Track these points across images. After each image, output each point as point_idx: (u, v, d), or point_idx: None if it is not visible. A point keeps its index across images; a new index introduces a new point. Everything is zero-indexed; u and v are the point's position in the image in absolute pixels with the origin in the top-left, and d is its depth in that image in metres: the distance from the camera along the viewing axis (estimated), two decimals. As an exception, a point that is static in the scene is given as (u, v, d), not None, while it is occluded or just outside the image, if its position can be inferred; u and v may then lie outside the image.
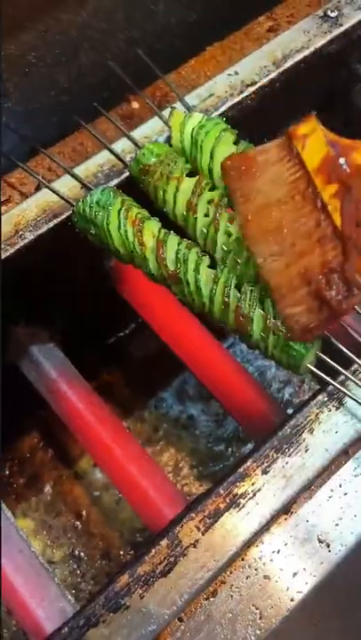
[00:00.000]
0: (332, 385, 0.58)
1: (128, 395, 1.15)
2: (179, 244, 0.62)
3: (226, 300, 0.60)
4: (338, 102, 0.90)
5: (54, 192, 0.68)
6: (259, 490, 0.56)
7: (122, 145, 0.73)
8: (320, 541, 0.58)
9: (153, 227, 0.63)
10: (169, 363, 0.84)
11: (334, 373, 0.59)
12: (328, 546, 0.58)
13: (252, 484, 0.56)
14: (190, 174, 0.66)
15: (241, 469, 0.56)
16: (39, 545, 1.00)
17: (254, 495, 0.56)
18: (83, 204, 0.65)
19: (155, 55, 0.77)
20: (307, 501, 0.58)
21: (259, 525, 0.55)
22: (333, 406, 0.59)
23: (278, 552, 0.56)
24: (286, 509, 0.58)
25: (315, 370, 0.58)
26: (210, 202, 0.63)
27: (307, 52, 0.78)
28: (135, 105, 0.82)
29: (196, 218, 0.63)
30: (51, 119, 0.83)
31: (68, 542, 1.01)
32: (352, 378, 0.58)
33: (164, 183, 0.65)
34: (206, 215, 0.63)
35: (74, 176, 0.70)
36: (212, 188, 0.65)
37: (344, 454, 0.58)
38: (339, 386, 0.57)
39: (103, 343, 1.12)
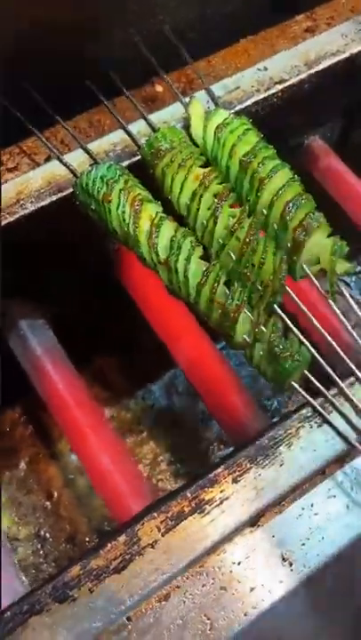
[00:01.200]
0: (314, 406, 0.56)
1: (118, 382, 1.14)
2: (175, 231, 0.60)
3: (213, 294, 0.58)
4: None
5: (62, 162, 0.67)
6: (227, 498, 0.54)
7: (138, 126, 0.71)
8: (283, 559, 0.56)
9: (151, 210, 0.62)
10: (163, 355, 0.83)
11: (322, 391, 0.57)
12: (291, 565, 0.56)
13: (221, 492, 0.54)
14: (203, 166, 0.64)
15: (211, 475, 0.54)
16: (6, 520, 0.99)
17: (221, 503, 0.54)
18: (86, 178, 0.63)
19: (186, 43, 0.75)
20: (275, 517, 0.56)
21: (221, 535, 0.53)
22: (316, 423, 0.57)
23: (239, 564, 0.54)
24: (253, 522, 0.56)
25: (298, 389, 0.57)
26: (216, 195, 0.62)
27: (341, 57, 0.76)
28: (159, 88, 0.80)
29: (198, 209, 0.61)
30: (71, 91, 0.81)
31: (36, 521, 1.00)
32: (333, 400, 0.56)
33: (174, 170, 0.63)
34: (210, 209, 0.61)
35: (85, 150, 0.68)
36: (222, 183, 0.63)
37: (320, 474, 0.56)
38: (319, 407, 0.56)
39: (100, 327, 1.11)
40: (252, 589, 0.54)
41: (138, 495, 0.67)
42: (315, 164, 0.91)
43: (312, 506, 0.56)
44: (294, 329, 0.60)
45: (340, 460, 0.58)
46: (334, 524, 0.55)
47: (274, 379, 0.58)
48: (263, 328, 0.58)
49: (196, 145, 0.67)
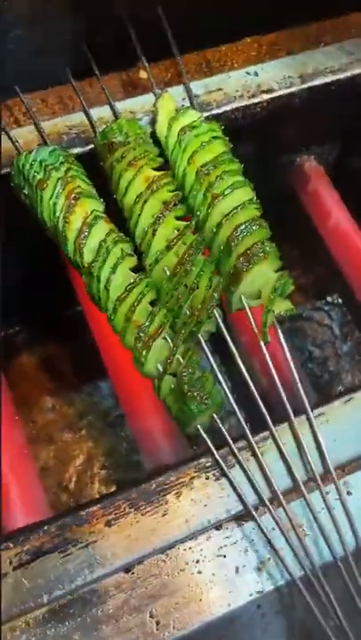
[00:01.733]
0: (214, 456, 0.50)
1: (65, 373, 1.09)
2: (107, 235, 0.54)
3: (131, 312, 0.52)
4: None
5: (8, 136, 0.60)
6: (94, 542, 0.48)
7: (103, 112, 0.64)
8: (151, 616, 0.51)
9: (88, 206, 0.55)
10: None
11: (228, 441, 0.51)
12: (158, 624, 0.50)
13: (90, 533, 0.48)
14: (158, 169, 0.58)
15: (84, 512, 0.49)
16: None
17: (87, 546, 0.48)
18: (24, 159, 0.57)
19: (184, 34, 0.68)
20: (147, 568, 0.50)
21: (78, 580, 0.47)
22: (214, 475, 0.51)
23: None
24: (127, 569, 0.51)
25: (203, 434, 0.51)
26: (164, 203, 0.55)
27: (341, 76, 0.69)
28: (143, 75, 0.74)
29: (140, 215, 0.55)
30: (52, 64, 0.74)
31: None
32: (237, 454, 0.50)
33: (123, 167, 0.57)
34: (153, 216, 0.55)
35: (37, 127, 0.62)
36: (175, 191, 0.57)
37: (204, 532, 0.50)
38: (220, 458, 0.50)
39: (56, 314, 1.05)
40: (104, 646, 0.48)
41: (28, 507, 0.62)
42: (303, 185, 0.84)
43: (187, 564, 0.51)
44: (214, 366, 0.54)
45: (236, 519, 0.52)
46: (217, 586, 0.50)
47: (178, 417, 0.52)
48: (181, 359, 0.52)
49: (158, 144, 0.61)
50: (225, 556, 0.52)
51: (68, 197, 0.55)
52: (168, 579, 0.51)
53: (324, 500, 0.52)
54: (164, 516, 0.49)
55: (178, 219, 0.56)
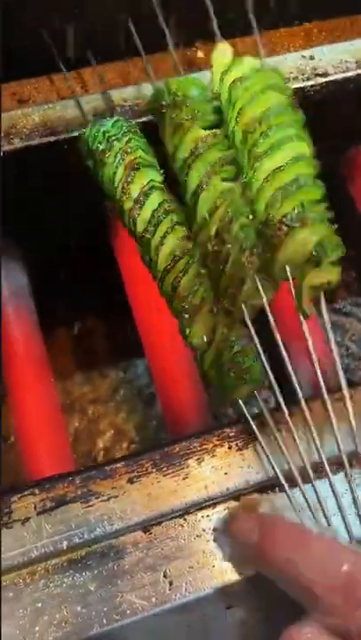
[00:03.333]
0: (251, 428, 0.51)
1: (102, 347, 1.11)
2: (160, 205, 0.55)
3: (175, 284, 0.53)
4: None
5: (79, 105, 0.63)
6: (116, 496, 0.50)
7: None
8: (165, 576, 0.52)
9: (147, 177, 0.56)
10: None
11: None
12: (171, 584, 0.52)
13: (112, 488, 0.50)
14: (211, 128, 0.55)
15: (108, 468, 0.50)
16: None
17: (109, 499, 0.50)
18: (89, 131, 0.59)
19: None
20: (165, 530, 0.52)
21: (97, 531, 0.49)
22: (237, 445, 0.52)
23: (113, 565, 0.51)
24: (145, 529, 0.52)
25: (242, 406, 0.52)
26: (211, 165, 0.53)
27: None
28: (200, 54, 0.75)
29: (186, 180, 0.54)
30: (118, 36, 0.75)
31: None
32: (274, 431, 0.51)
33: (171, 130, 0.56)
34: (199, 177, 0.54)
35: (106, 97, 0.64)
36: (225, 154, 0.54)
37: (223, 501, 0.51)
38: (256, 430, 0.51)
39: (95, 288, 1.07)
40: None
41: (56, 460, 0.64)
42: (354, 175, 0.84)
43: (204, 531, 0.52)
44: (257, 343, 0.53)
45: (256, 491, 0.53)
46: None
47: (219, 389, 0.54)
48: (224, 330, 0.52)
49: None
50: (240, 527, 0.53)
51: (127, 168, 0.56)
52: (184, 543, 0.52)
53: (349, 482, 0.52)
54: (184, 479, 0.51)
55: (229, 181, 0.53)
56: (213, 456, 0.51)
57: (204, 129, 0.55)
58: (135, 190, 0.55)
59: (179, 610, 0.52)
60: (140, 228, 0.55)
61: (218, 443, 0.52)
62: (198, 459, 0.51)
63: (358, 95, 0.69)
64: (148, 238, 0.54)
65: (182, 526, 0.52)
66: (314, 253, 0.51)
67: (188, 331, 0.53)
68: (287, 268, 0.52)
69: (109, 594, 0.51)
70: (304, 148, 0.53)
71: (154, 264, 0.55)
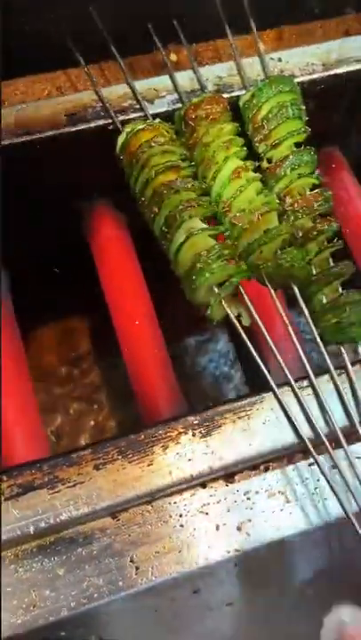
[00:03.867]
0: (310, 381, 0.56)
1: (84, 346, 1.12)
2: (176, 206, 0.57)
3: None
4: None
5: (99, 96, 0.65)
6: (82, 482, 0.52)
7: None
8: (132, 561, 0.53)
9: (170, 175, 0.59)
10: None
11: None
12: (137, 569, 0.53)
13: (78, 475, 0.52)
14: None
15: (75, 455, 0.52)
16: None
17: (74, 485, 0.51)
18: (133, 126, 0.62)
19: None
20: (132, 516, 0.53)
21: (63, 516, 0.51)
22: (200, 433, 0.54)
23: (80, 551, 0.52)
24: (113, 515, 0.54)
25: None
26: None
27: (362, 66, 0.70)
28: (173, 57, 0.77)
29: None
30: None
31: None
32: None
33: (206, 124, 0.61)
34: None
35: (133, 91, 0.67)
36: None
37: (188, 488, 0.53)
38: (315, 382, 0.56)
39: (79, 287, 1.09)
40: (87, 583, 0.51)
41: (29, 442, 0.65)
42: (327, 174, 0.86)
43: (180, 516, 0.53)
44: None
45: (222, 478, 0.55)
46: (199, 540, 0.53)
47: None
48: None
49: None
50: (207, 514, 0.55)
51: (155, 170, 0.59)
52: (151, 528, 0.54)
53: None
54: (149, 465, 0.52)
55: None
56: (178, 443, 0.53)
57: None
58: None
59: (146, 594, 0.53)
60: (156, 231, 0.60)
61: (182, 430, 0.53)
62: (163, 446, 0.53)
63: (324, 97, 0.71)
64: (169, 240, 0.58)
65: (149, 512, 0.54)
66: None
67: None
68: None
69: (77, 578, 0.52)
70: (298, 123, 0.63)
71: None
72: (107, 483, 0.51)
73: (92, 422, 1.08)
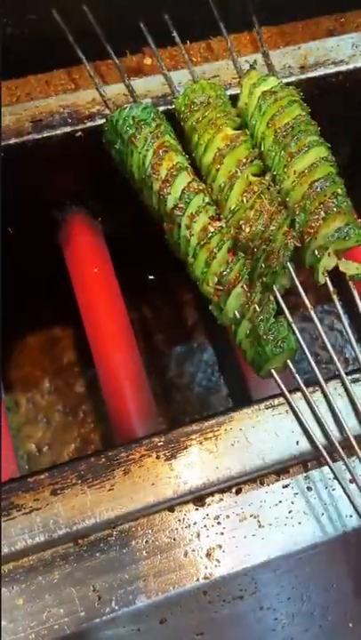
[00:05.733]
0: (285, 398, 0.53)
1: (69, 358, 1.10)
2: (189, 183, 0.57)
3: (211, 259, 0.55)
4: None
5: (100, 93, 0.64)
6: (38, 509, 0.49)
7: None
8: (94, 590, 0.51)
9: (175, 159, 0.58)
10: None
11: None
12: (100, 598, 0.51)
13: (35, 500, 0.49)
14: (236, 129, 0.61)
15: (31, 480, 0.49)
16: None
17: (30, 512, 0.49)
18: (118, 115, 0.60)
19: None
20: (94, 543, 0.50)
21: (19, 544, 0.48)
22: (165, 455, 0.51)
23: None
24: (75, 542, 0.51)
25: (276, 378, 0.54)
26: (242, 159, 0.58)
27: (343, 68, 0.67)
28: (148, 61, 0.74)
29: (218, 170, 0.58)
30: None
31: None
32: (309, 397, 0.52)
33: (203, 126, 0.60)
34: (230, 171, 0.58)
35: (128, 86, 0.65)
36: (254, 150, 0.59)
37: (154, 512, 0.50)
38: (290, 397, 0.52)
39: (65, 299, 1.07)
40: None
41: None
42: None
43: (146, 542, 0.51)
44: (288, 314, 0.56)
45: (192, 501, 0.52)
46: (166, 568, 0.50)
47: (253, 361, 0.55)
48: (257, 307, 0.55)
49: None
50: (175, 539, 0.52)
51: (157, 150, 0.58)
52: (115, 555, 0.51)
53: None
54: (109, 490, 0.49)
55: (255, 176, 0.59)
56: (141, 466, 0.50)
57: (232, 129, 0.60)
58: (164, 171, 0.58)
59: (109, 625, 0.51)
60: (170, 204, 0.57)
61: (145, 452, 0.51)
62: (125, 470, 0.50)
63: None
64: (179, 215, 0.56)
65: (112, 539, 0.51)
66: (330, 237, 0.56)
67: (222, 305, 0.55)
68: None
69: (37, 608, 0.50)
70: (326, 151, 0.59)
71: (183, 241, 0.57)
72: (65, 509, 0.49)
73: (76, 435, 1.05)
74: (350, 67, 0.67)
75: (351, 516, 0.54)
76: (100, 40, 0.66)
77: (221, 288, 0.54)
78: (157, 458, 0.51)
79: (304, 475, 0.55)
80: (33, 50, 0.68)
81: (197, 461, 0.51)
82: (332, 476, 0.53)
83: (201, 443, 0.51)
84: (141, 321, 1.13)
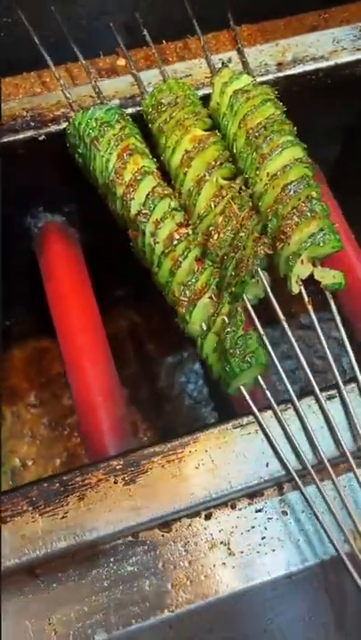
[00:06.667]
0: (255, 417, 0.49)
1: (54, 370, 1.07)
2: (154, 188, 0.54)
3: (174, 269, 0.52)
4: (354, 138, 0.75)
5: (65, 94, 0.61)
6: (-15, 537, 0.46)
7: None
8: (50, 623, 0.47)
9: (139, 162, 0.55)
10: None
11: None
12: (55, 632, 0.47)
13: (-18, 528, 0.46)
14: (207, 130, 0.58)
15: (-21, 505, 0.46)
16: None
17: (-23, 540, 0.45)
18: (81, 117, 0.57)
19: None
20: (51, 573, 0.47)
21: None
22: (124, 480, 0.47)
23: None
24: (29, 572, 0.48)
25: (246, 395, 0.50)
26: (211, 162, 0.55)
27: (323, 64, 0.64)
28: (121, 62, 0.71)
29: (186, 173, 0.55)
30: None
31: None
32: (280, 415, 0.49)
33: (171, 128, 0.57)
34: (198, 174, 0.55)
35: (94, 87, 0.62)
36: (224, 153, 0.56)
37: (112, 541, 0.47)
38: (260, 417, 0.49)
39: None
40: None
41: None
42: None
43: (107, 573, 0.47)
44: (259, 327, 0.52)
45: (158, 528, 0.49)
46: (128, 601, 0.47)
47: (220, 376, 0.51)
48: (225, 318, 0.51)
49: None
50: (137, 569, 0.49)
51: (121, 153, 0.55)
52: (73, 587, 0.48)
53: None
54: (63, 518, 0.46)
55: (226, 180, 0.56)
56: (97, 492, 0.47)
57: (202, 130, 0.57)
58: (128, 175, 0.55)
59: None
60: (133, 210, 0.54)
61: (103, 477, 0.47)
62: (79, 496, 0.47)
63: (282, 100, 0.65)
64: (143, 222, 0.53)
65: (71, 569, 0.48)
66: (306, 242, 0.52)
67: (187, 317, 0.52)
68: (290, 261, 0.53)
69: (-11, 644, 0.46)
70: (301, 152, 0.56)
71: (148, 249, 0.53)
72: (13, 538, 0.45)
73: (62, 449, 1.02)
74: (331, 63, 0.64)
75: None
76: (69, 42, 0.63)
77: (186, 299, 0.51)
78: (115, 483, 0.47)
79: (279, 498, 0.51)
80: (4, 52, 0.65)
81: (160, 486, 0.47)
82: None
83: (163, 466, 0.48)
84: (132, 330, 1.09)
